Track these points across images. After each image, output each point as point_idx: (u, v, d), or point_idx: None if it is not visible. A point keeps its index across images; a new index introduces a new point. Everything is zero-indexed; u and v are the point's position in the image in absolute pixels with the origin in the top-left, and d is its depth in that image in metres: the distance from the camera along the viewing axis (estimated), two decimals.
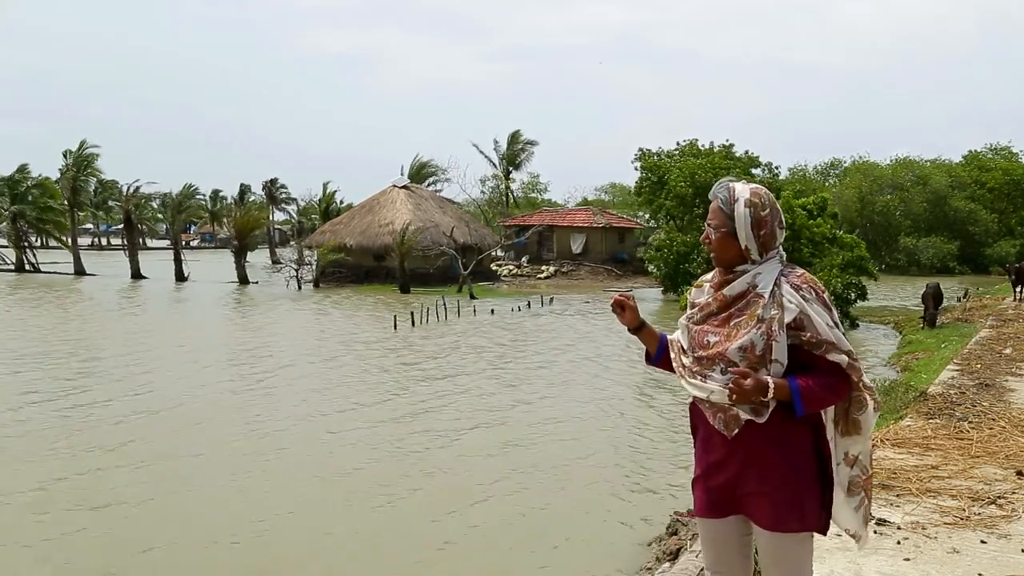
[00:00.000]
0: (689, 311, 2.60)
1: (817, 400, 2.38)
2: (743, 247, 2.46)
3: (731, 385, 2.31)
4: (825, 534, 2.50)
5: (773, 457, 2.39)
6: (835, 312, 2.46)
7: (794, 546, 2.43)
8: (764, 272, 2.45)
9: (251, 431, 10.40)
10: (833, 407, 2.49)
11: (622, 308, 2.65)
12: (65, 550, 6.60)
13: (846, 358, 2.38)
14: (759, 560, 2.57)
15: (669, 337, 2.70)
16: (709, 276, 2.62)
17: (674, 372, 2.61)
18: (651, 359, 2.74)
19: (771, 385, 2.31)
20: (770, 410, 2.36)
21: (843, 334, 2.42)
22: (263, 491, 8.07)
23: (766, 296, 2.41)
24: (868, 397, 2.45)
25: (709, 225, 2.52)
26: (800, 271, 2.49)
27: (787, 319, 2.37)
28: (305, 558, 6.48)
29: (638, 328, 2.69)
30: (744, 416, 2.39)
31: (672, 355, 2.65)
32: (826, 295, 2.47)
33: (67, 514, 7.31)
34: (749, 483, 2.42)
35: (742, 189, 2.49)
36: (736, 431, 2.41)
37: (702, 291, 2.61)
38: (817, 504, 2.43)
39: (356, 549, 6.73)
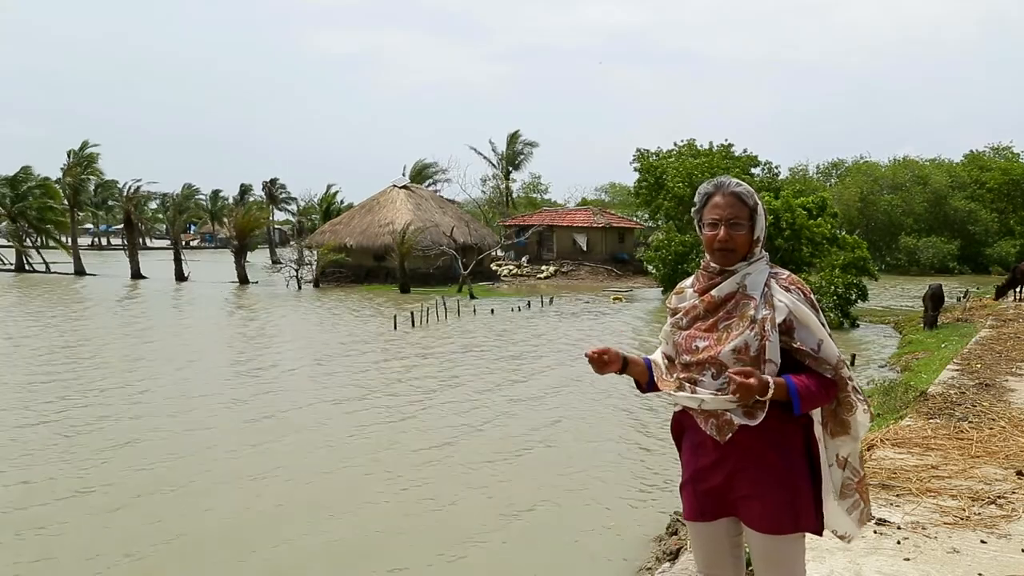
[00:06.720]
0: (673, 318, 2.56)
1: (813, 398, 2.38)
2: (754, 239, 2.45)
3: (736, 382, 2.26)
4: (820, 534, 2.49)
5: (769, 457, 2.38)
6: (821, 314, 2.45)
7: (787, 547, 2.43)
8: (753, 272, 2.45)
9: (249, 430, 10.40)
10: (820, 408, 2.48)
11: (600, 363, 2.53)
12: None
13: (832, 370, 2.38)
14: (752, 561, 2.57)
15: (651, 359, 2.66)
16: (689, 282, 2.60)
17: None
18: (644, 388, 2.68)
19: (771, 384, 2.30)
20: (764, 412, 2.35)
21: (830, 336, 2.42)
22: (260, 493, 8.08)
23: (756, 297, 2.40)
24: (857, 401, 2.44)
25: (727, 222, 2.42)
26: (786, 273, 2.49)
27: (778, 319, 2.37)
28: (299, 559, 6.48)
29: (623, 367, 2.59)
30: (737, 421, 2.37)
31: (656, 376, 2.61)
32: (813, 297, 2.47)
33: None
34: (742, 486, 2.41)
35: (742, 182, 2.50)
36: (729, 436, 2.40)
37: (684, 296, 2.57)
38: (810, 504, 2.42)
39: (358, 550, 6.73)
